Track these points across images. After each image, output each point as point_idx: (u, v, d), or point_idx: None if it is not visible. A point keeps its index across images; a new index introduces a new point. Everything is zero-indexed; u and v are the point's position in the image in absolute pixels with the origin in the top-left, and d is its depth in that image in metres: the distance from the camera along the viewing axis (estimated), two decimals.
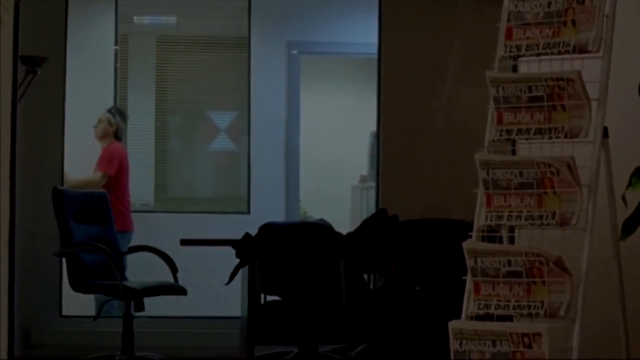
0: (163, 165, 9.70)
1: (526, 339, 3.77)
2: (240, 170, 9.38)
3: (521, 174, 3.96)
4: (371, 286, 6.55)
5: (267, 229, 6.39)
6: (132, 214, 8.43)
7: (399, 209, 6.58)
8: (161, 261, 6.71)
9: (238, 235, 6.38)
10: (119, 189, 8.30)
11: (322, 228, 6.49)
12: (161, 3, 9.79)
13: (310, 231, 6.53)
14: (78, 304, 7.47)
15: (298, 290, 6.36)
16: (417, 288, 6.43)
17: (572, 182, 3.88)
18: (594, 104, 3.95)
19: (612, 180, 4.13)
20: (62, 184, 7.47)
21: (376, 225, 6.45)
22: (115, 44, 9.17)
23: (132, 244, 7.92)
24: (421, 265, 6.36)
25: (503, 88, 4.08)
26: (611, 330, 4.23)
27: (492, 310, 3.93)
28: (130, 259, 7.57)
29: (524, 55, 4.17)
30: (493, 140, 4.13)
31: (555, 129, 3.98)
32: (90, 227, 6.69)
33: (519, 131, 4.06)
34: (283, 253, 6.36)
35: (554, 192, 3.91)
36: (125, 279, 6.67)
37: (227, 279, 6.33)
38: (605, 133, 4.02)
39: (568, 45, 4.04)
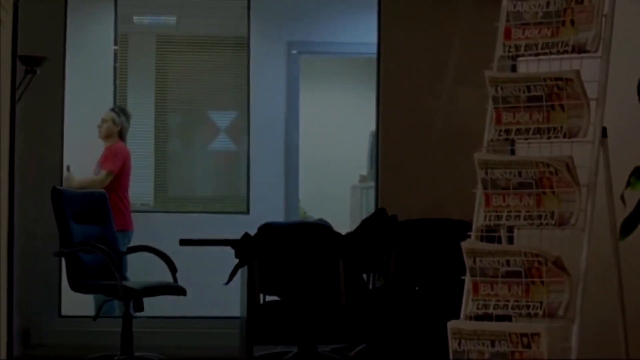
0: (163, 165, 9.70)
1: (525, 339, 3.77)
2: (240, 170, 9.38)
3: (520, 173, 3.96)
4: (370, 286, 6.55)
5: (266, 228, 6.38)
6: (132, 214, 8.44)
7: (399, 209, 6.58)
8: (161, 261, 6.71)
9: (237, 235, 6.38)
10: (120, 188, 8.30)
11: (321, 228, 6.49)
12: (161, 3, 9.80)
13: (309, 231, 6.52)
14: (77, 304, 7.47)
15: (297, 290, 6.36)
16: (417, 288, 6.43)
17: (570, 182, 3.88)
18: (592, 104, 3.95)
19: (610, 180, 4.13)
20: (61, 183, 7.47)
21: (375, 225, 6.45)
22: (115, 43, 9.16)
23: (132, 244, 7.93)
24: (420, 265, 6.36)
25: (502, 88, 4.08)
26: (610, 330, 4.23)
27: (491, 310, 3.92)
28: (130, 259, 7.57)
29: (522, 55, 4.17)
30: (492, 140, 4.13)
31: (554, 128, 3.98)
32: (90, 227, 6.69)
33: (518, 131, 4.06)
34: (282, 253, 6.35)
35: (553, 192, 3.91)
36: (125, 278, 6.67)
37: (227, 279, 6.33)
38: (604, 133, 4.02)
39: (567, 45, 4.04)
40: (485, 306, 3.93)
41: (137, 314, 6.55)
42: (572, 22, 4.04)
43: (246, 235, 6.34)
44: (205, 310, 7.66)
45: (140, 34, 9.94)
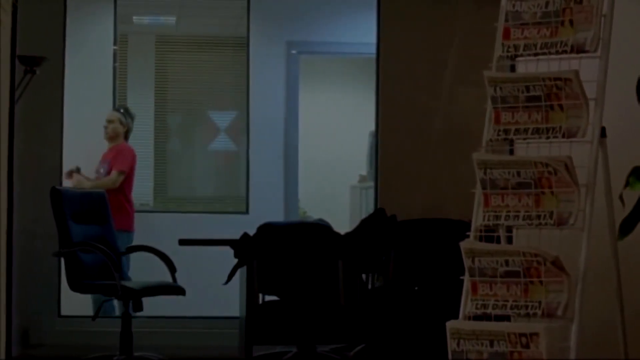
0: (162, 165, 9.70)
1: (524, 339, 3.77)
2: (240, 170, 9.38)
3: (519, 173, 3.96)
4: (369, 286, 6.54)
5: (266, 228, 6.38)
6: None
7: (398, 209, 6.58)
8: (161, 261, 6.71)
9: (237, 235, 6.38)
10: (127, 189, 8.30)
11: (320, 228, 6.49)
12: (160, 3, 9.80)
13: (308, 231, 6.52)
14: (77, 304, 7.47)
15: (296, 290, 6.36)
16: (416, 288, 6.43)
17: (569, 181, 3.87)
18: (591, 104, 3.95)
19: (609, 180, 4.13)
20: (61, 183, 7.48)
21: (374, 225, 6.45)
22: (115, 43, 9.16)
23: (132, 243, 7.93)
24: (419, 265, 6.36)
25: (501, 88, 4.07)
26: (609, 330, 4.23)
27: (489, 310, 3.92)
28: (132, 258, 7.58)
29: (521, 55, 4.17)
30: (490, 140, 4.12)
31: (553, 128, 3.98)
32: (89, 227, 6.69)
33: (517, 131, 4.06)
34: (281, 253, 6.35)
35: (552, 192, 3.91)
36: (124, 278, 6.67)
37: (226, 278, 6.33)
38: (602, 133, 4.02)
39: (566, 45, 4.04)
40: (484, 306, 3.93)
41: (137, 313, 6.55)
42: (571, 22, 4.04)
43: (245, 235, 6.34)
44: (204, 310, 7.67)
45: (139, 34, 9.95)
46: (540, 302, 3.82)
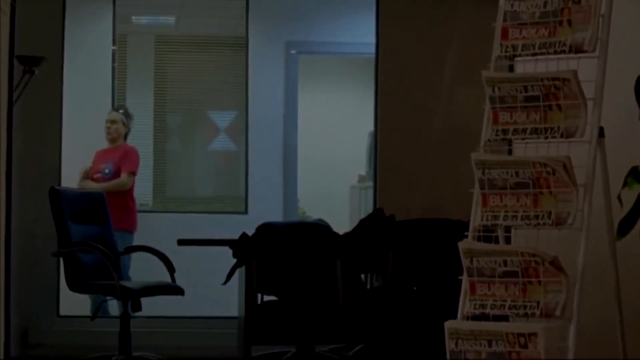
0: (162, 165, 9.70)
1: (522, 339, 3.77)
2: (240, 170, 9.38)
3: (517, 173, 3.96)
4: (368, 286, 6.54)
5: (265, 228, 6.38)
6: None
7: (397, 209, 6.58)
8: (160, 261, 6.71)
9: (236, 235, 6.38)
10: (132, 189, 8.29)
11: (319, 228, 6.49)
12: (160, 3, 9.80)
13: (307, 231, 6.52)
14: (76, 304, 7.47)
15: (295, 290, 6.36)
16: (414, 288, 6.43)
17: (568, 181, 3.87)
18: (590, 104, 3.95)
19: (608, 180, 4.13)
20: (60, 183, 7.47)
21: (373, 225, 6.45)
22: (114, 44, 9.16)
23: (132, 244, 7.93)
24: (418, 265, 6.36)
25: (499, 88, 4.07)
26: (607, 330, 4.23)
27: (488, 310, 3.92)
28: (132, 259, 7.59)
29: (520, 55, 4.17)
30: (489, 140, 4.12)
31: (551, 128, 3.97)
32: (88, 227, 6.69)
33: (515, 131, 4.06)
34: (280, 253, 6.35)
35: (550, 192, 3.90)
36: (123, 278, 6.67)
37: (225, 279, 6.33)
38: (601, 133, 4.02)
39: (564, 45, 4.04)
40: (483, 306, 3.93)
41: (135, 313, 6.55)
42: (569, 22, 4.03)
43: (244, 235, 6.34)
44: (203, 310, 7.66)
45: (139, 34, 9.95)
46: (538, 302, 3.82)
